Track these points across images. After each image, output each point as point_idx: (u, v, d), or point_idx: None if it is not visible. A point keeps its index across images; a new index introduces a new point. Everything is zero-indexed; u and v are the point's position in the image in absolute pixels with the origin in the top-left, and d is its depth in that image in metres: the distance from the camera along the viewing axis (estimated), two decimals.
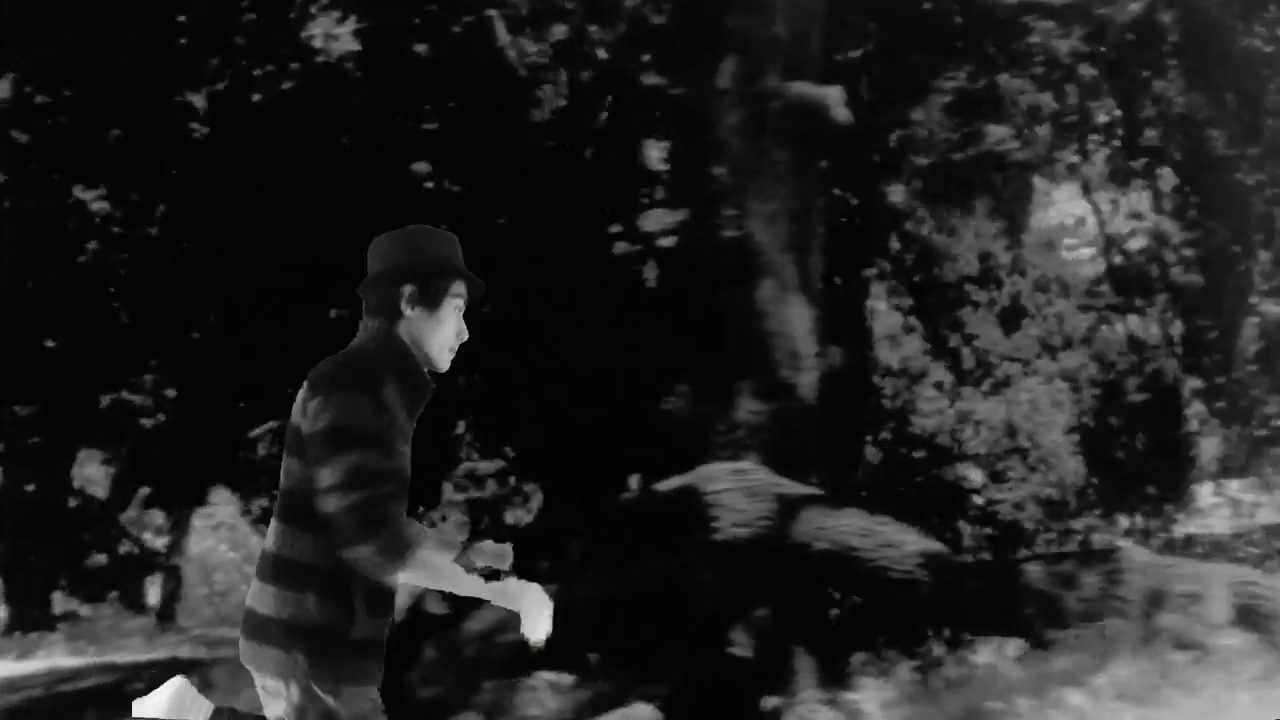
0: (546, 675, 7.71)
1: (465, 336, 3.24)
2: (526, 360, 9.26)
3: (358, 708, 3.05)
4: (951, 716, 8.45)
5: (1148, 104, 12.49)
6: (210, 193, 12.45)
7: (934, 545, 8.60)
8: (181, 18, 12.14)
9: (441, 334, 3.20)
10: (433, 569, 3.06)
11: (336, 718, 3.02)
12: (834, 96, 9.08)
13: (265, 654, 3.06)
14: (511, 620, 3.06)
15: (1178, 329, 12.33)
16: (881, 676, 8.30)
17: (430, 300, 3.17)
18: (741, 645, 8.48)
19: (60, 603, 21.85)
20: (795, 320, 9.04)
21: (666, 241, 8.81)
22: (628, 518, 8.40)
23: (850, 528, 8.30)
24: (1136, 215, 12.47)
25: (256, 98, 12.07)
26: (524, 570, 3.28)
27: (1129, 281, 12.49)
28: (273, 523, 3.13)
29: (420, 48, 12.55)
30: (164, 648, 18.22)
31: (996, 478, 15.80)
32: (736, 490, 8.20)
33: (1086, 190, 12.59)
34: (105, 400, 16.09)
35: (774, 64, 8.99)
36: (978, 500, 15.89)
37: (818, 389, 9.08)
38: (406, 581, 3.06)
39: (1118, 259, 12.56)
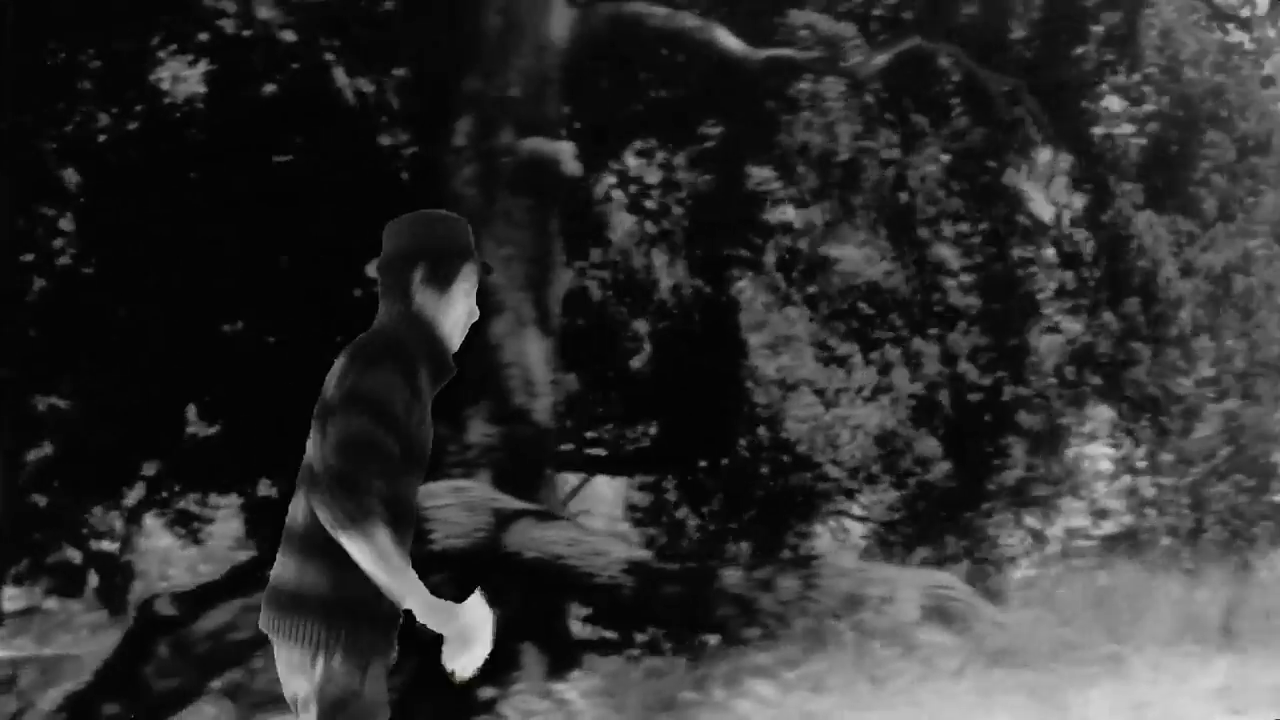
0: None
1: (476, 316, 3.36)
2: (278, 389, 10.30)
3: (377, 685, 3.11)
4: (650, 706, 9.50)
5: (929, 142, 13.51)
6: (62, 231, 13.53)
7: (639, 553, 9.65)
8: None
9: (453, 314, 3.29)
10: (383, 552, 3.01)
11: (359, 695, 3.07)
12: (565, 151, 10.14)
13: (298, 627, 3.09)
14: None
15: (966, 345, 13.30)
16: (587, 670, 9.35)
17: (442, 281, 3.27)
18: None
19: (23, 597, 22.80)
20: (531, 351, 10.10)
21: None
22: None
23: (559, 538, 9.35)
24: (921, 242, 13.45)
25: (102, 139, 13.11)
26: None
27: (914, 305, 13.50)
28: (296, 495, 3.18)
29: (267, 88, 13.58)
30: (103, 640, 19.15)
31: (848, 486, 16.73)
32: (455, 505, 9.25)
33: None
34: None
35: (508, 123, 10.05)
36: (835, 506, 16.88)
37: (552, 413, 10.15)
38: (354, 555, 3.02)
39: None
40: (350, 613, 3.08)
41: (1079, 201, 16.49)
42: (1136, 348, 14.75)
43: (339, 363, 3.17)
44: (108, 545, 26.22)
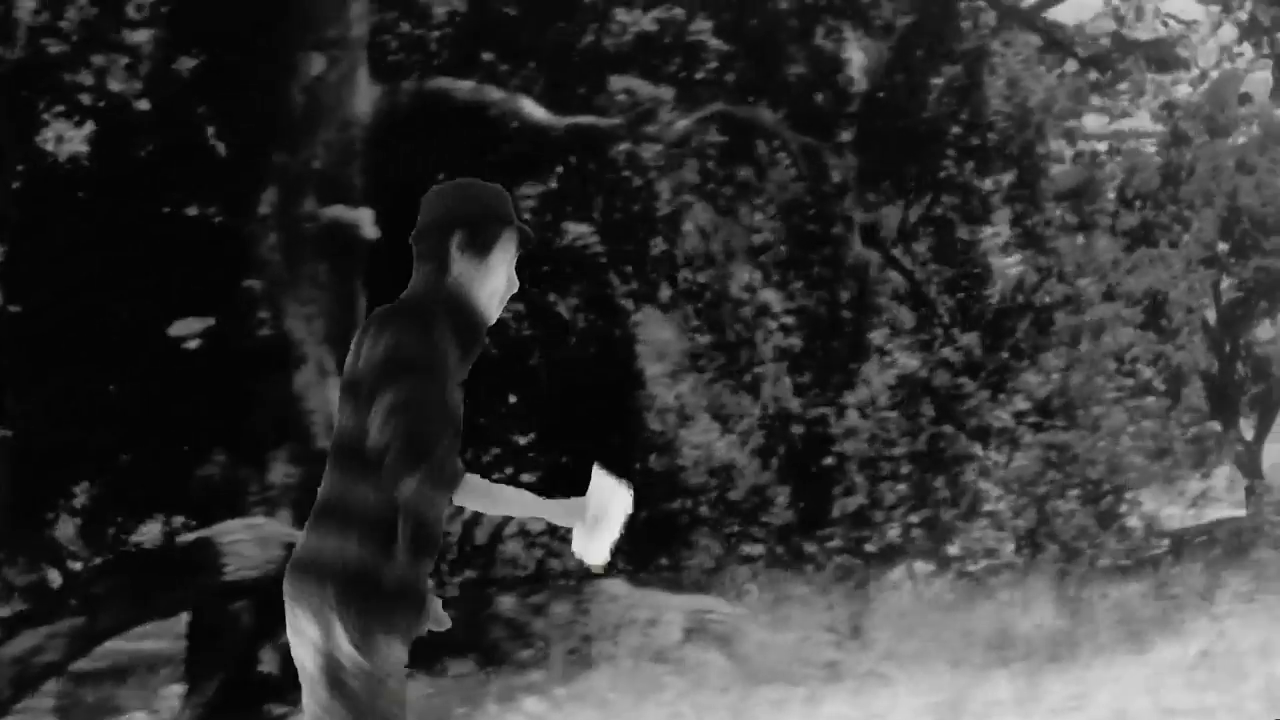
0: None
1: (516, 287, 3.31)
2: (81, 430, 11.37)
3: (385, 659, 3.04)
4: None
5: (761, 195, 14.56)
6: None
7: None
8: None
9: (491, 282, 3.23)
10: (487, 492, 3.08)
11: (360, 667, 3.02)
12: (365, 218, 11.22)
13: (311, 594, 3.06)
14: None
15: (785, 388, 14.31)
16: None
17: (480, 248, 3.21)
18: (268, 663, 10.62)
19: None
20: (334, 399, 11.15)
21: (193, 344, 10.97)
22: (150, 564, 10.52)
23: None
24: (750, 288, 14.49)
25: None
26: None
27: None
28: (326, 471, 3.16)
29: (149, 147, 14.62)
30: None
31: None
32: (249, 540, 10.32)
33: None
34: None
35: (311, 192, 11.13)
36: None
37: None
38: (464, 504, 3.08)
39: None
40: (344, 578, 3.03)
41: (923, 245, 17.54)
42: (962, 381, 15.75)
43: (363, 334, 3.14)
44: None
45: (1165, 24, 30.18)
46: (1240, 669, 10.27)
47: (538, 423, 16.33)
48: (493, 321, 3.30)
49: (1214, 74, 57.29)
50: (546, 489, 2.99)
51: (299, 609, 3.09)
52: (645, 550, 15.26)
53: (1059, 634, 12.12)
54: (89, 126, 15.03)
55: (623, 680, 10.70)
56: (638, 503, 3.37)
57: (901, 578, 13.54)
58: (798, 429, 15.19)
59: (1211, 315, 31.55)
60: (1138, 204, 31.28)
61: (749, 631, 11.08)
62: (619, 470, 3.32)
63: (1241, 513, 21.13)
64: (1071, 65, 20.07)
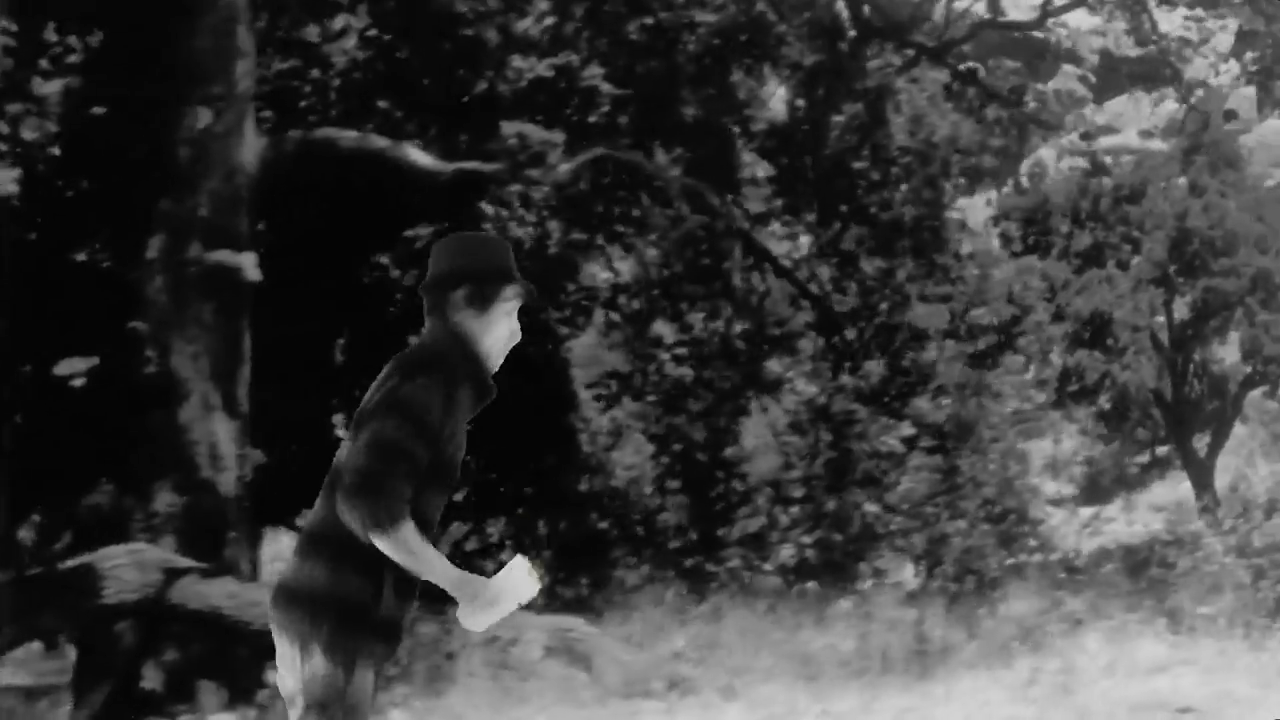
0: None
1: (518, 338, 3.49)
2: None
3: (361, 686, 3.16)
4: None
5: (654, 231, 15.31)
6: None
7: None
8: None
9: (492, 335, 3.41)
10: (413, 549, 3.11)
11: (341, 692, 3.12)
12: (248, 261, 11.99)
13: (290, 621, 3.16)
14: None
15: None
16: (238, 702, 11.11)
17: (482, 301, 3.39)
18: (151, 680, 11.37)
19: None
20: (218, 431, 11.93)
21: (78, 382, 11.73)
22: (32, 589, 11.26)
23: (219, 592, 11.14)
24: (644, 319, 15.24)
25: None
26: None
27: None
28: (318, 500, 3.28)
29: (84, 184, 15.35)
30: None
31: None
32: (129, 565, 11.06)
33: None
34: None
35: (197, 238, 11.90)
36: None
37: (237, 484, 11.97)
38: (386, 552, 3.13)
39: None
40: (339, 611, 3.14)
41: (826, 272, 18.23)
42: (855, 408, 16.43)
43: (382, 375, 3.31)
44: None
45: (1155, 42, 30.83)
46: (1068, 687, 10.95)
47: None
48: (495, 370, 3.47)
49: (1200, 91, 57.74)
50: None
51: (288, 643, 3.21)
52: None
53: (910, 651, 12.77)
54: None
55: (481, 695, 11.43)
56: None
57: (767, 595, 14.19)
58: (700, 455, 15.91)
59: (1165, 335, 32.13)
60: (1090, 225, 31.97)
61: (607, 649, 11.77)
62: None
63: (1137, 537, 21.73)
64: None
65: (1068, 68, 63.14)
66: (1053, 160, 57.05)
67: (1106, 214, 31.02)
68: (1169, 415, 33.34)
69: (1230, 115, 56.70)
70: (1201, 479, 32.89)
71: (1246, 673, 11.37)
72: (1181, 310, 32.59)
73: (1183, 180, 32.37)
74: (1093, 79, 62.12)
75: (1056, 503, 21.95)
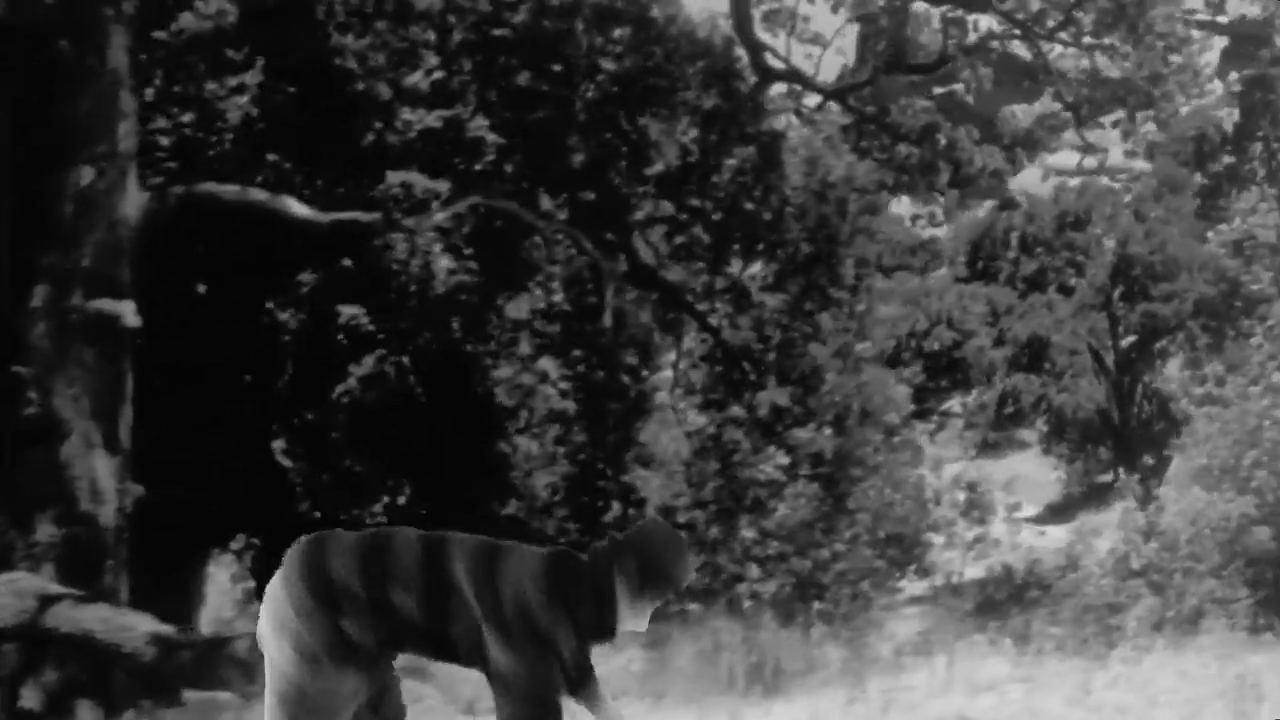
0: None
1: (644, 629, 3.92)
2: None
3: (329, 687, 3.62)
4: None
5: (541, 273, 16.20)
6: None
7: (164, 628, 12.29)
8: None
9: (635, 617, 3.77)
10: None
11: (305, 691, 3.56)
12: (128, 309, 12.91)
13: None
14: None
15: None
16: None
17: (644, 594, 3.72)
18: (29, 700, 12.29)
19: None
20: (99, 467, 12.85)
21: None
22: None
23: (92, 617, 12.02)
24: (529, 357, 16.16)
25: None
26: None
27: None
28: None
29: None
30: None
31: None
32: (5, 592, 11.97)
33: None
34: None
35: (79, 287, 12.82)
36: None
37: (117, 517, 12.88)
38: None
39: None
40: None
41: (722, 309, 19.10)
42: (739, 437, 17.31)
43: (533, 563, 3.71)
44: None
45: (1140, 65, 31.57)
46: (899, 705, 11.74)
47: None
48: (616, 634, 3.85)
49: (1184, 110, 58.60)
50: None
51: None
52: None
53: (752, 668, 13.57)
54: None
55: None
56: None
57: None
58: (598, 483, 16.80)
59: (1110, 358, 32.87)
60: (1039, 250, 32.75)
61: (456, 671, 12.58)
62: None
63: (1022, 560, 22.46)
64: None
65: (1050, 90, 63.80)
66: (1038, 181, 57.82)
67: (1051, 240, 31.75)
68: (1116, 437, 34.06)
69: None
70: (1145, 498, 33.57)
71: (1065, 690, 12.03)
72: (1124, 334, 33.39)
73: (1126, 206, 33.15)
74: (1071, 100, 62.73)
75: (950, 523, 22.72)
